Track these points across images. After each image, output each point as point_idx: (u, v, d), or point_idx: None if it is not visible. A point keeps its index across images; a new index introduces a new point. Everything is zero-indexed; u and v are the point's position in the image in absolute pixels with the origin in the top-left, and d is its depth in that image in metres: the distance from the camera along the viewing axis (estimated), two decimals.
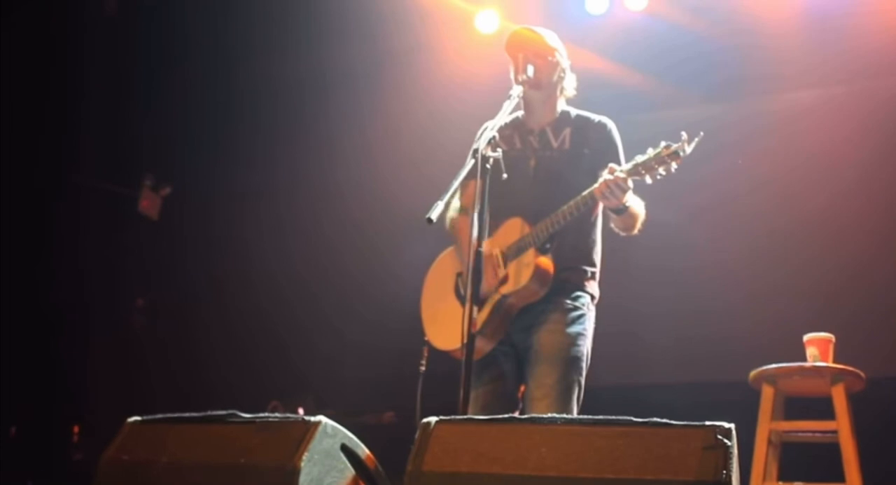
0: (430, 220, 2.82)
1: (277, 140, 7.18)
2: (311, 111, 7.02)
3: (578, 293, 3.44)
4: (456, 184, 2.96)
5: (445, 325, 3.44)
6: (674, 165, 3.16)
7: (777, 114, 6.10)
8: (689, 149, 3.15)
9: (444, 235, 3.68)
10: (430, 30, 6.54)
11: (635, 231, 3.45)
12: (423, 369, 4.63)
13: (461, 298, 3.42)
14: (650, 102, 5.99)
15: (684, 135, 3.15)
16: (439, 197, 2.89)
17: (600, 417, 2.25)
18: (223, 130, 7.35)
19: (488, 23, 6.56)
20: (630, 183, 3.22)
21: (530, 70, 3.39)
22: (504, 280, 3.36)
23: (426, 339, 3.60)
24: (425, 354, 4.62)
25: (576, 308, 3.40)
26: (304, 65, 6.85)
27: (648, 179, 3.19)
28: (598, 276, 3.53)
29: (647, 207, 3.45)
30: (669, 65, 6.09)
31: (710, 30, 6.00)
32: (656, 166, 3.16)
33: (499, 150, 3.01)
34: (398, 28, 6.48)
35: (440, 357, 3.57)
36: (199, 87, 7.11)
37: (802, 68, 5.82)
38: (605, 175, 3.20)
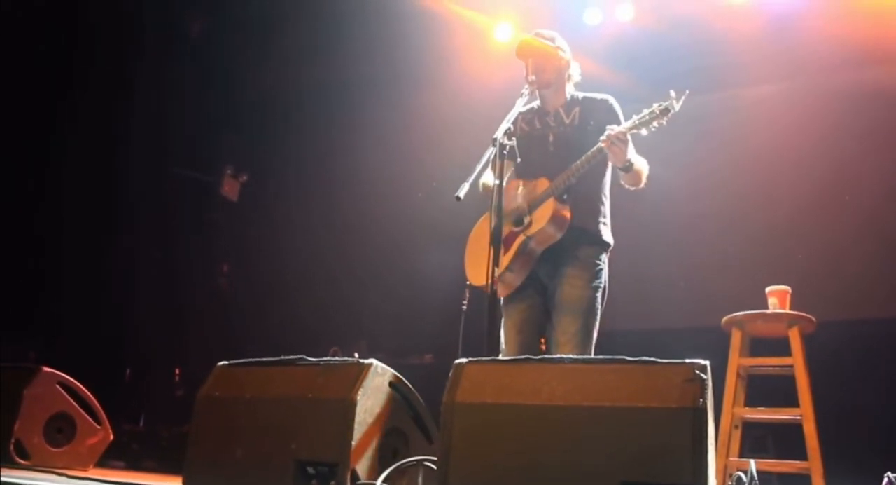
0: (458, 197, 2.87)
1: (334, 135, 7.17)
2: (360, 111, 7.00)
3: (597, 246, 3.38)
4: (479, 168, 2.96)
5: (480, 266, 3.42)
6: (664, 120, 3.11)
7: (739, 102, 6.11)
8: (677, 106, 3.08)
9: (473, 211, 3.63)
10: (458, 39, 6.59)
11: (642, 184, 3.38)
12: (464, 307, 4.58)
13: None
14: (635, 96, 5.92)
15: (673, 92, 3.09)
16: (465, 179, 2.90)
17: (599, 356, 2.24)
18: (291, 129, 7.35)
19: (504, 33, 6.71)
20: (629, 136, 3.18)
21: (537, 74, 3.37)
22: (528, 225, 3.33)
23: (468, 282, 3.54)
24: (467, 295, 4.57)
25: (595, 264, 3.35)
26: (355, 70, 6.84)
27: (644, 132, 3.16)
28: (609, 225, 3.47)
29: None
30: (651, 64, 6.05)
31: (684, 37, 6.01)
32: (650, 120, 3.12)
33: (514, 138, 3.00)
34: (433, 39, 6.50)
35: (479, 299, 3.51)
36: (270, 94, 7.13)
37: (758, 68, 5.84)
38: (608, 130, 3.18)
